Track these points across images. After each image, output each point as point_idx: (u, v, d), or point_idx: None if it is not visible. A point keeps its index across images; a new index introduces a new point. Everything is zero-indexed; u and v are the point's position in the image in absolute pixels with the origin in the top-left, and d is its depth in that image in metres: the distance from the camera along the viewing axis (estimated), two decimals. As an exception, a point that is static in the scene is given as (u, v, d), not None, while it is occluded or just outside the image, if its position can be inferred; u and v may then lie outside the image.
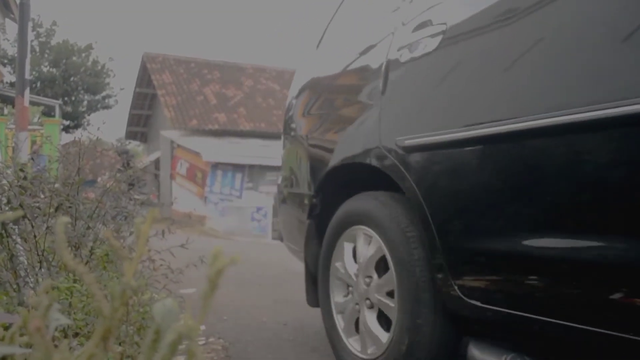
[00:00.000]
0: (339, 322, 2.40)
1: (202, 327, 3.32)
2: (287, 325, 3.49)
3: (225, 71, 21.59)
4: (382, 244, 2.03)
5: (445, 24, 1.87)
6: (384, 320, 2.09)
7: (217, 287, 0.39)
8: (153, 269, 2.59)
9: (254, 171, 15.81)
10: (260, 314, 3.78)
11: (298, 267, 6.03)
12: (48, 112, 14.48)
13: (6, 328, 0.63)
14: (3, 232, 2.18)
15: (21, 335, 0.56)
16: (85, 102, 27.46)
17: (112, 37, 78.35)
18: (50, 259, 2.31)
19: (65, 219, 0.51)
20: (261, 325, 3.50)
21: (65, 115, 22.61)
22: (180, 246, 2.35)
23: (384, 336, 2.05)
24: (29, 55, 4.73)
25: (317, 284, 2.68)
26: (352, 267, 2.27)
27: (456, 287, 1.72)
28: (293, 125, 3.16)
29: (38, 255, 2.29)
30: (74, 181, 2.38)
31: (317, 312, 3.88)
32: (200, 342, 3.01)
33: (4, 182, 2.20)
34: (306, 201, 2.71)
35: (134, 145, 25.41)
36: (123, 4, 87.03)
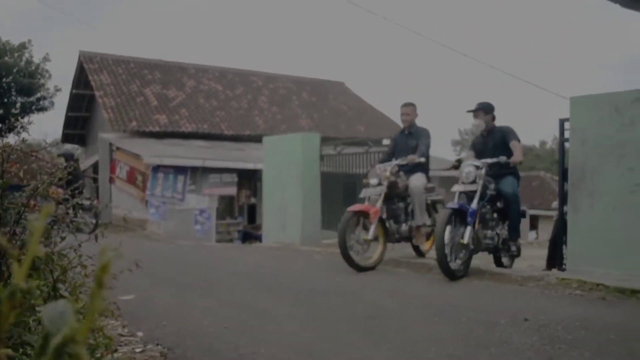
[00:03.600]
0: None
1: (140, 334, 3.22)
2: (229, 329, 3.44)
3: (166, 71, 21.14)
4: None
5: None
6: None
7: (105, 286, 0.36)
8: (85, 275, 2.49)
9: (196, 173, 15.52)
10: (202, 318, 3.70)
11: (240, 269, 5.96)
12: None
13: None
14: None
15: None
16: (18, 104, 26.28)
17: (47, 35, 75.24)
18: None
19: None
20: (202, 329, 3.43)
21: (-4, 118, 21.58)
22: (112, 251, 2.26)
23: None
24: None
25: None
26: None
27: None
28: None
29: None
30: (-2, 185, 2.25)
31: (260, 314, 3.84)
32: (138, 350, 2.92)
33: None
34: None
35: (73, 148, 24.51)
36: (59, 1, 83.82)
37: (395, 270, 5.95)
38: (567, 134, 5.51)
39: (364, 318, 3.71)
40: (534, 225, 23.97)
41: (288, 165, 9.18)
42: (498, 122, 6.07)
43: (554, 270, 6.08)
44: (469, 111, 6.06)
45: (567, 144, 5.54)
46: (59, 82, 26.18)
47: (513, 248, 5.89)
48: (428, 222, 6.50)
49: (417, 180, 6.28)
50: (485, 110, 6.02)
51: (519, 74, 77.38)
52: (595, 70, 76.89)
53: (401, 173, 6.27)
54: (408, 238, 6.34)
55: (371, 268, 5.72)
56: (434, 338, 3.19)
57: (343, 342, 3.15)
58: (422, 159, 6.21)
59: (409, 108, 6.61)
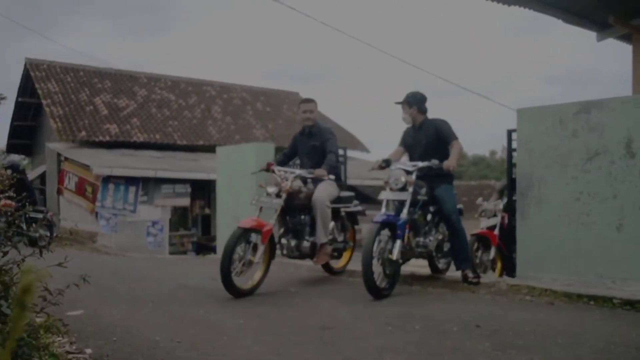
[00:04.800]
0: None
1: (89, 351, 3.12)
2: (182, 343, 3.37)
3: (117, 80, 20.70)
4: None
5: None
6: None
7: (27, 308, 0.34)
8: (29, 291, 2.40)
9: (148, 184, 15.21)
10: (153, 333, 3.61)
11: (193, 282, 5.86)
12: None
13: None
14: None
15: None
16: (-41, 113, 25.24)
17: (-10, 43, 72.61)
18: None
19: None
20: (154, 344, 3.35)
21: None
22: (57, 265, 2.19)
23: None
24: None
25: None
26: None
27: None
28: None
29: None
30: None
31: (212, 328, 3.78)
32: (86, 367, 2.82)
33: None
34: None
35: (20, 158, 23.69)
36: (5, 5, 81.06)
37: (350, 279, 5.96)
38: (514, 144, 5.67)
39: (317, 329, 3.70)
40: (485, 233, 24.46)
41: (242, 176, 9.11)
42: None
43: (504, 277, 6.22)
44: (396, 103, 5.43)
45: (515, 154, 5.70)
46: (4, 90, 25.35)
47: (470, 275, 5.09)
48: (340, 237, 5.90)
49: (321, 192, 5.45)
50: (409, 103, 5.34)
51: (470, 86, 79.43)
52: (540, 83, 79.62)
53: (309, 180, 5.61)
54: (310, 256, 5.56)
55: (249, 293, 4.96)
56: (388, 348, 3.21)
57: (297, 355, 3.13)
58: (332, 177, 5.54)
59: (311, 104, 5.84)
